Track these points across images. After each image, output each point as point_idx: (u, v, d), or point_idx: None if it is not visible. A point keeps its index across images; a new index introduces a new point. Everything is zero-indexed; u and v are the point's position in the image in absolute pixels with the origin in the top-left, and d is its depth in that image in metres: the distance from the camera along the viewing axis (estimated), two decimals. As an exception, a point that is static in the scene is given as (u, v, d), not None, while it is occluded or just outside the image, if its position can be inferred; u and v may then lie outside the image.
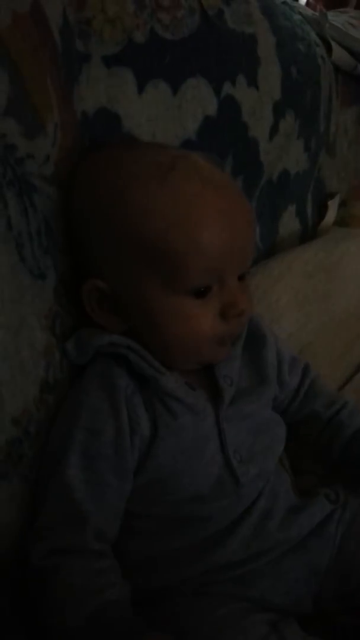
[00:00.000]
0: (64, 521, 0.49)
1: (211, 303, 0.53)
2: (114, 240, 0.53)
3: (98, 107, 0.60)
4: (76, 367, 0.55)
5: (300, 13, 1.00)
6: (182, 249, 0.51)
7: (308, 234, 1.05)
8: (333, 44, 1.04)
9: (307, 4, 1.48)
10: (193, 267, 0.51)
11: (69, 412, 0.52)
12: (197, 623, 0.50)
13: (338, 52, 1.05)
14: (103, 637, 0.45)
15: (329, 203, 1.11)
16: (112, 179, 0.53)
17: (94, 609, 0.45)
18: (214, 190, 0.53)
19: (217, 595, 0.52)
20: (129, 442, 0.51)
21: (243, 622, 0.50)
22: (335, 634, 0.55)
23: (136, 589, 0.51)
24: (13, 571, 0.48)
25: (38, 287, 0.52)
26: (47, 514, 0.49)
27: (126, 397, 0.52)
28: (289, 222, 0.99)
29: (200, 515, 0.54)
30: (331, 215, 1.11)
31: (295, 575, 0.55)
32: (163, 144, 0.66)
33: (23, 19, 0.48)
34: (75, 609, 0.45)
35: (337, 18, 1.15)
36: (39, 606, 0.47)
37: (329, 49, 1.03)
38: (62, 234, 0.56)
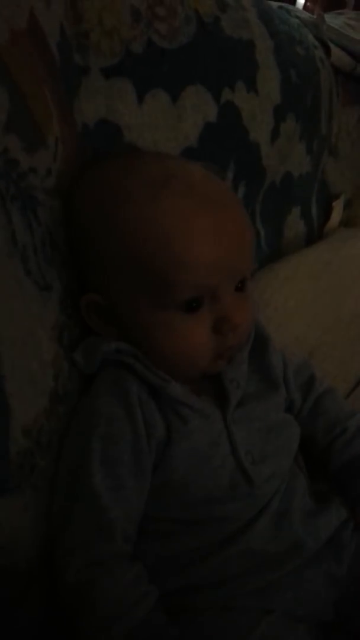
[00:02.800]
0: (95, 531, 0.49)
1: (203, 318, 0.53)
2: (107, 256, 0.53)
3: (98, 118, 0.61)
4: (85, 376, 0.56)
5: (297, 16, 1.00)
6: (167, 266, 0.51)
7: (314, 235, 1.05)
8: (331, 45, 1.04)
9: (305, 6, 1.49)
10: (179, 283, 0.52)
11: (83, 420, 0.53)
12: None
13: (337, 54, 1.05)
14: None
15: (334, 204, 1.11)
16: (106, 196, 0.54)
17: (129, 629, 0.46)
18: (205, 207, 0.52)
19: (249, 611, 0.52)
20: (146, 446, 0.52)
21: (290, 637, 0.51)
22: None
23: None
24: (25, 580, 0.48)
25: (44, 299, 0.52)
26: (76, 526, 0.49)
27: (140, 401, 0.53)
28: (294, 225, 0.99)
29: (216, 516, 0.54)
30: (336, 216, 1.11)
31: (316, 585, 0.55)
32: (162, 154, 0.66)
33: (21, 36, 0.49)
34: (114, 624, 0.46)
35: (334, 20, 1.15)
36: (79, 622, 0.47)
37: (327, 50, 1.03)
38: (66, 246, 0.56)
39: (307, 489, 0.61)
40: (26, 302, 0.50)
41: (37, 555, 0.49)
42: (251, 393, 0.60)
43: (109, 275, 0.54)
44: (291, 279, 0.89)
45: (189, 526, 0.54)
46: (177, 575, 0.53)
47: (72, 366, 0.55)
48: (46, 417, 0.51)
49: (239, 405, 0.58)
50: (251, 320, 0.58)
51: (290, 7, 1.06)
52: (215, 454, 0.55)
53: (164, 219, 0.51)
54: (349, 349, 0.94)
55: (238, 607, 0.52)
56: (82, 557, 0.48)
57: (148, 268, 0.51)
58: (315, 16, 1.08)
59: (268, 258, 0.92)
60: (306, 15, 1.08)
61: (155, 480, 0.53)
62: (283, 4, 1.04)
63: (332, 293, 0.94)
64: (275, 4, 0.97)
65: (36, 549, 0.49)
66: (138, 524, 0.52)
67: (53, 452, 0.52)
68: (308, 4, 1.50)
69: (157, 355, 0.54)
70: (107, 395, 0.53)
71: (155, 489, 0.53)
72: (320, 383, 0.68)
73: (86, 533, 0.49)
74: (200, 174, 0.56)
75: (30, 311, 0.50)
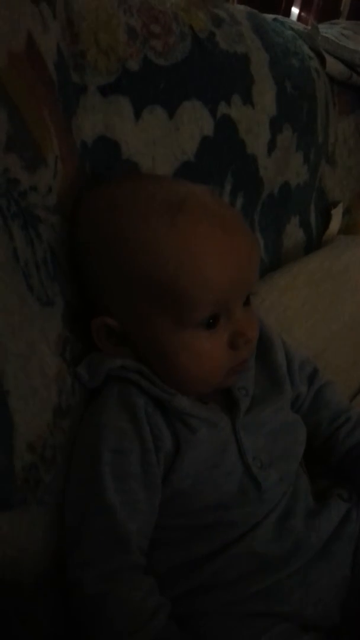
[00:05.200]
0: (111, 543, 0.50)
1: (220, 334, 0.55)
2: (122, 279, 0.54)
3: (97, 136, 0.62)
4: (88, 391, 0.57)
5: (292, 28, 1.01)
6: (190, 287, 0.52)
7: (313, 243, 1.06)
8: (327, 55, 1.05)
9: (299, 17, 1.50)
10: (201, 302, 0.53)
11: (92, 435, 0.53)
12: None
13: (332, 63, 1.06)
14: None
15: (333, 212, 1.12)
16: (120, 219, 0.54)
17: (150, 637, 0.47)
18: (220, 228, 0.54)
19: (253, 617, 0.53)
20: (155, 458, 0.53)
21: None
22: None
23: None
24: (33, 595, 0.49)
25: (47, 314, 0.53)
26: (91, 539, 0.50)
27: (147, 414, 0.54)
28: (293, 234, 1.00)
29: (225, 521, 0.55)
30: (335, 223, 1.12)
31: (324, 583, 0.55)
32: (167, 177, 0.68)
33: (19, 58, 0.50)
34: (132, 638, 0.47)
35: (329, 30, 1.16)
36: (96, 636, 0.48)
37: (322, 61, 1.04)
38: (67, 261, 0.57)
39: (309, 487, 0.62)
40: (29, 317, 0.51)
41: (42, 570, 0.50)
42: (258, 395, 0.61)
43: (124, 299, 0.55)
44: (291, 287, 0.90)
45: (198, 533, 0.55)
46: (184, 579, 0.54)
47: (75, 381, 0.56)
48: (50, 432, 0.52)
49: (247, 411, 0.59)
50: (257, 334, 0.59)
51: (284, 19, 1.07)
52: (224, 460, 0.56)
53: (183, 241, 0.52)
54: (350, 357, 0.94)
55: (245, 612, 0.53)
56: (99, 569, 0.49)
57: (170, 289, 0.52)
58: (309, 27, 1.09)
59: (268, 267, 0.92)
60: (301, 26, 1.09)
61: (165, 490, 0.53)
62: (277, 16, 1.05)
63: (332, 301, 0.94)
64: (269, 16, 0.98)
65: (42, 564, 0.50)
66: (150, 536, 0.53)
67: (57, 466, 0.52)
68: (302, 14, 1.51)
69: (172, 376, 0.55)
70: (114, 409, 0.54)
71: (166, 498, 0.53)
72: (322, 376, 0.70)
73: (102, 546, 0.50)
74: (208, 196, 0.58)
75: (34, 327, 0.51)
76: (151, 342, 0.55)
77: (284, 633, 0.52)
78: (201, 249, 0.53)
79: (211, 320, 0.54)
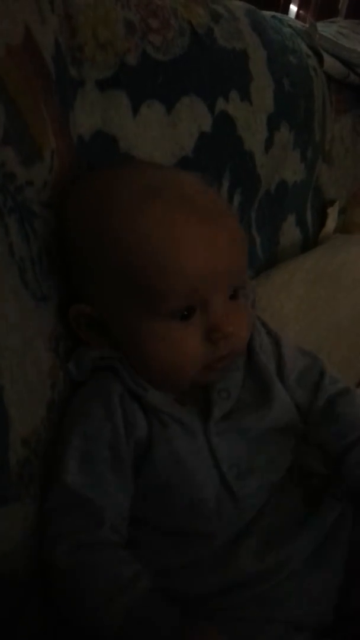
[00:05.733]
0: (82, 518, 0.50)
1: (195, 326, 0.53)
2: (97, 266, 0.54)
3: (94, 130, 0.62)
4: (77, 385, 0.56)
5: (290, 26, 1.01)
6: (157, 276, 0.51)
7: (309, 242, 1.06)
8: (324, 53, 1.05)
9: (297, 16, 1.50)
10: (169, 293, 0.51)
11: (66, 421, 0.54)
12: None
13: (330, 62, 1.06)
14: (144, 634, 0.45)
15: (329, 210, 1.12)
16: (97, 207, 0.54)
17: (129, 604, 0.45)
18: (197, 217, 0.52)
19: (246, 620, 0.52)
20: (124, 444, 0.52)
21: None
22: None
23: None
24: (28, 589, 0.49)
25: (41, 309, 0.53)
26: (62, 518, 0.50)
27: (122, 401, 0.53)
28: (289, 232, 1.00)
29: (202, 531, 0.54)
30: (331, 222, 1.12)
31: (319, 589, 0.54)
32: (156, 164, 0.67)
33: (16, 51, 0.50)
34: (111, 607, 0.45)
35: (327, 28, 1.16)
36: (71, 607, 0.48)
37: (320, 59, 1.04)
38: (62, 257, 0.57)
39: (301, 496, 0.59)
40: (24, 313, 0.50)
41: (37, 565, 0.50)
42: (246, 399, 0.58)
43: (98, 286, 0.54)
44: (287, 285, 0.90)
45: (176, 540, 0.54)
46: (171, 586, 0.52)
47: (67, 375, 0.56)
48: (44, 427, 0.52)
49: (227, 416, 0.57)
50: (246, 329, 0.57)
51: (282, 16, 1.07)
52: (199, 465, 0.54)
53: (154, 229, 0.51)
54: (345, 355, 0.94)
55: (239, 617, 0.52)
56: (71, 541, 0.48)
57: (138, 278, 0.51)
58: (307, 25, 1.09)
59: (264, 265, 0.92)
60: (299, 24, 1.09)
61: (141, 482, 0.53)
62: (276, 13, 1.05)
63: (328, 299, 0.95)
64: (268, 14, 0.98)
65: (36, 559, 0.50)
66: (126, 525, 0.52)
67: (49, 460, 0.52)
68: (300, 12, 1.51)
69: (146, 366, 0.54)
70: (89, 395, 0.54)
71: (142, 490, 0.53)
72: (331, 380, 0.63)
73: (73, 521, 0.50)
74: (192, 184, 0.56)
75: (28, 322, 0.51)
76: (125, 330, 0.54)
77: (279, 633, 0.51)
78: (173, 236, 0.51)
79: (186, 312, 0.53)
